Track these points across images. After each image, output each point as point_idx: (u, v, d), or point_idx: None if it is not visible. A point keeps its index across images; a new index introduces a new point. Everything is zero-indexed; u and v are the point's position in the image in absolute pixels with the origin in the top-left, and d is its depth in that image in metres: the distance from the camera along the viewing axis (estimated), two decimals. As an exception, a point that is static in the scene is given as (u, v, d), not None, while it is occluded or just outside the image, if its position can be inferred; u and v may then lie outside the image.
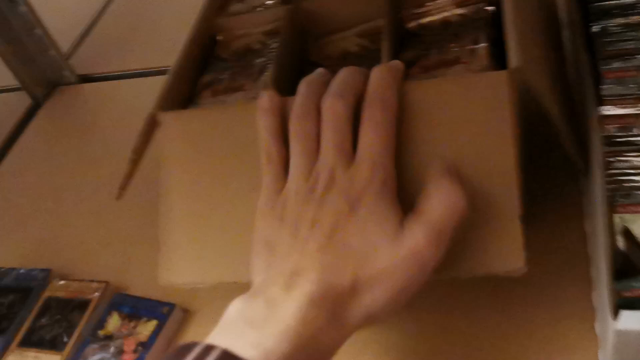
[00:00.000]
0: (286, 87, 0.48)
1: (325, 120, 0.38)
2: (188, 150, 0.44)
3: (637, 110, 0.42)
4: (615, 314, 0.31)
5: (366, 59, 0.51)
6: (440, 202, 0.34)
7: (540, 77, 0.42)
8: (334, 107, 0.37)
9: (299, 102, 0.39)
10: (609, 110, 0.42)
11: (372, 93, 0.38)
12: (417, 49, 0.48)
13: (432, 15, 0.51)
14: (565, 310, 0.43)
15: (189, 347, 0.30)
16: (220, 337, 0.32)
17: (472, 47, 0.46)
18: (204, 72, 0.53)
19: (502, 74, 0.39)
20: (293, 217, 0.36)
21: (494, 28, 0.46)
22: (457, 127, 0.39)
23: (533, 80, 0.40)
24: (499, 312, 0.44)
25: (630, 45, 0.43)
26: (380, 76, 0.39)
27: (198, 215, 0.43)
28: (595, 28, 0.45)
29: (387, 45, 0.46)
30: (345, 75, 0.40)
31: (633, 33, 0.44)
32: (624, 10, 0.46)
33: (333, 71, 0.42)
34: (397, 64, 0.41)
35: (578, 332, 0.42)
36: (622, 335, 0.31)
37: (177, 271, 0.44)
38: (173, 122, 0.45)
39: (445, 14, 0.50)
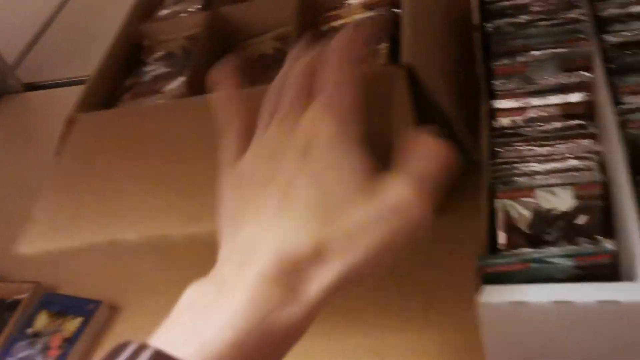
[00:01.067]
0: (203, 89, 0.51)
1: (288, 82, 0.35)
2: (89, 147, 0.46)
3: (524, 103, 0.45)
4: (479, 289, 0.33)
5: (281, 62, 0.53)
6: (428, 151, 0.30)
7: (433, 72, 0.45)
8: (296, 67, 0.35)
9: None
10: (499, 103, 0.45)
11: (333, 44, 0.34)
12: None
13: (343, 18, 0.53)
14: (457, 297, 0.45)
15: (120, 348, 0.27)
16: (165, 329, 0.29)
17: (375, 46, 0.49)
18: (128, 77, 0.55)
19: (392, 68, 0.42)
20: (249, 181, 0.32)
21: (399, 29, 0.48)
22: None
23: (424, 75, 0.42)
24: (399, 301, 0.47)
25: (518, 43, 0.46)
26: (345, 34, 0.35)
27: (70, 193, 0.44)
28: (489, 27, 0.48)
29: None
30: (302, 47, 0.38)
31: (522, 32, 0.47)
32: (516, 10, 0.49)
33: (252, 73, 0.44)
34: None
35: (468, 316, 0.44)
36: (485, 308, 0.33)
37: (38, 240, 0.43)
38: (85, 123, 0.47)
39: (356, 16, 0.53)
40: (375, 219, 0.28)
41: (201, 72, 0.51)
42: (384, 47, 0.48)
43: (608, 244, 0.33)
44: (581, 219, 0.38)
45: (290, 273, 0.28)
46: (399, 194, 0.28)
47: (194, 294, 0.29)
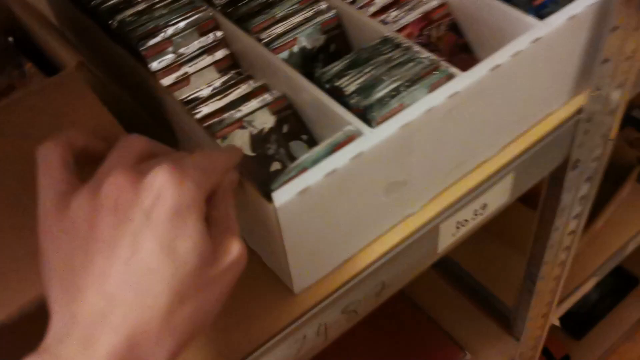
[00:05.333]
0: None
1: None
2: None
3: (183, 74, 0.49)
4: (269, 199, 0.37)
5: None
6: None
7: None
8: None
9: None
10: (166, 81, 0.49)
11: None
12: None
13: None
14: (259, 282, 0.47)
15: None
16: None
17: (16, 70, 0.46)
18: None
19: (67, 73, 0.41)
20: (83, 233, 0.29)
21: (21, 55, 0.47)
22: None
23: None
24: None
25: (149, 26, 0.50)
26: None
27: None
28: (114, 24, 0.51)
29: None
30: None
31: (147, 16, 0.51)
32: (129, 3, 0.52)
33: None
34: None
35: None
36: (281, 210, 0.37)
37: None
38: None
39: None
40: (215, 279, 0.30)
41: None
42: (29, 68, 0.46)
43: (350, 127, 0.41)
44: (285, 128, 0.46)
45: (141, 348, 0.27)
46: (232, 254, 0.31)
47: None
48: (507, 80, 0.45)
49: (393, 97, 0.42)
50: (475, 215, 0.52)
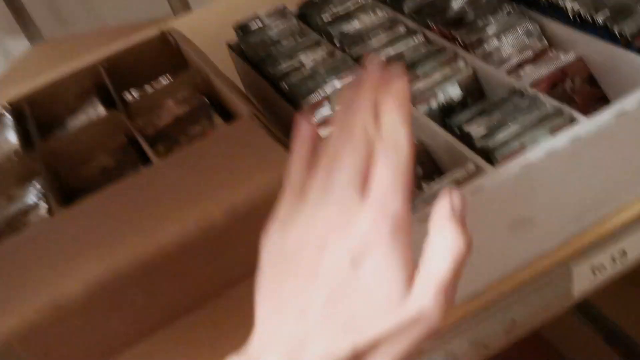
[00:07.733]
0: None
1: (345, 150, 0.34)
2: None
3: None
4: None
5: (123, 169, 0.58)
6: (445, 253, 0.31)
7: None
8: (354, 128, 0.34)
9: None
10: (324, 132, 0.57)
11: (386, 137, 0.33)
12: (167, 142, 0.58)
13: (164, 118, 0.61)
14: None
15: None
16: None
17: (207, 121, 0.58)
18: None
19: (243, 120, 0.51)
20: (295, 263, 0.32)
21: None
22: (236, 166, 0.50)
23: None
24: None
25: (311, 85, 0.60)
26: (392, 119, 0.33)
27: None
28: (284, 86, 0.61)
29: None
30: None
31: (310, 79, 0.61)
32: (298, 70, 0.63)
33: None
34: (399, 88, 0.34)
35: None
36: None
37: None
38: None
39: (174, 113, 0.62)
40: (402, 329, 0.30)
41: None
42: (215, 117, 0.58)
43: (471, 165, 0.47)
44: (419, 169, 0.52)
45: None
46: (421, 305, 0.30)
47: None
48: (637, 126, 0.47)
49: (515, 139, 0.46)
50: (614, 261, 0.53)
